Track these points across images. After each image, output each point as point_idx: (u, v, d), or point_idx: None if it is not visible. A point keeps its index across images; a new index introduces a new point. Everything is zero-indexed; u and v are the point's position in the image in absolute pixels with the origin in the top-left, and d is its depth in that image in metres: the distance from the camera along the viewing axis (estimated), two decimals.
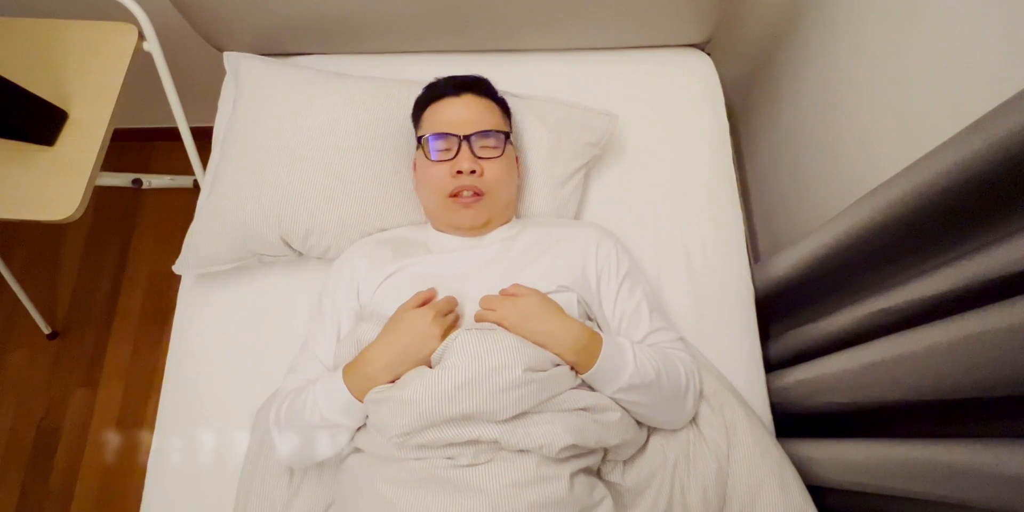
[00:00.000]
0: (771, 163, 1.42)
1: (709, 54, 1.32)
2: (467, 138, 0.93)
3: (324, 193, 1.04)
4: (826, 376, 0.88)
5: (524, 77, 1.25)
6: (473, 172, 0.92)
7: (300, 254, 1.09)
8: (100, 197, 1.83)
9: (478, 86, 1.01)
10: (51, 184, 1.06)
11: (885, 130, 1.00)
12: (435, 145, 0.94)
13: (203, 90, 1.17)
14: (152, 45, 1.15)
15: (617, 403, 0.85)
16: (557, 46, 1.29)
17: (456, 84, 1.00)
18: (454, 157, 0.92)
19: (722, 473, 0.88)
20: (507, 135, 0.98)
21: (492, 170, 0.94)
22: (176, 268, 1.10)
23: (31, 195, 1.05)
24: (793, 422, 1.03)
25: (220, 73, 1.26)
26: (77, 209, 1.04)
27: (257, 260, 1.10)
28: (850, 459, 0.82)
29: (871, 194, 0.81)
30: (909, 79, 0.94)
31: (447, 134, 0.93)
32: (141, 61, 1.16)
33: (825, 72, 1.18)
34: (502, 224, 1.01)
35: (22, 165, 1.07)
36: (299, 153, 1.06)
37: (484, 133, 0.94)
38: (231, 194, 1.07)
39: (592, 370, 0.81)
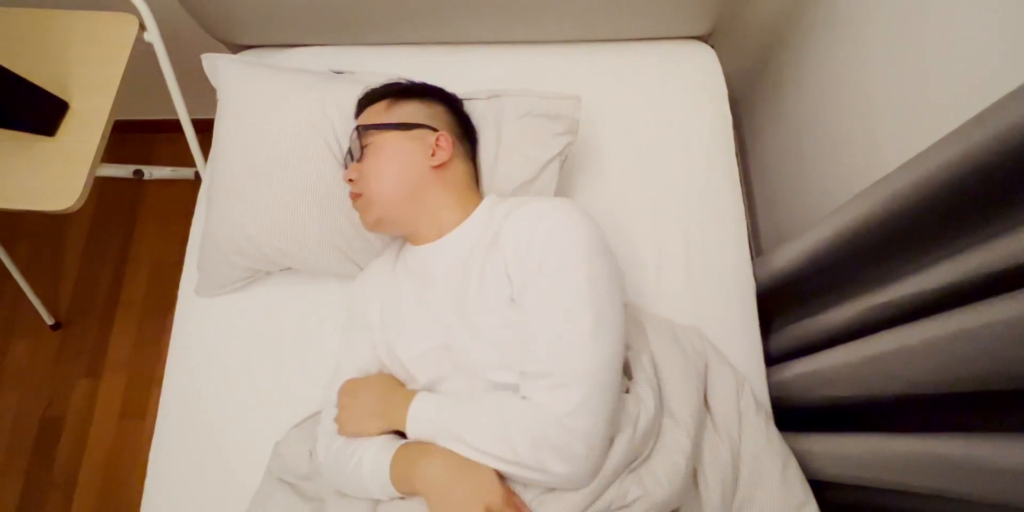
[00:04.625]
0: (773, 156, 1.41)
1: (712, 46, 1.31)
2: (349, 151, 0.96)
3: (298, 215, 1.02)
4: (826, 370, 0.88)
5: (526, 69, 1.25)
6: (351, 181, 0.92)
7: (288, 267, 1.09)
8: (102, 188, 1.84)
9: (360, 105, 1.01)
10: (52, 174, 1.06)
11: (888, 123, 0.99)
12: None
13: (204, 81, 1.16)
14: (153, 35, 1.15)
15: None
16: (559, 38, 1.28)
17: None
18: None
19: (735, 464, 0.88)
20: (370, 127, 0.92)
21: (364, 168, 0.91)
22: (197, 292, 1.11)
23: (32, 185, 1.05)
24: (793, 416, 1.03)
25: None
26: (78, 200, 1.05)
27: (265, 274, 1.11)
28: (849, 453, 0.82)
29: (872, 188, 0.80)
30: (913, 71, 0.93)
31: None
32: (142, 52, 1.16)
33: (829, 64, 1.17)
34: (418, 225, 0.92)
35: (23, 155, 1.07)
36: (268, 170, 1.03)
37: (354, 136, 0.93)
38: (221, 220, 1.06)
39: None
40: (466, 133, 1.01)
